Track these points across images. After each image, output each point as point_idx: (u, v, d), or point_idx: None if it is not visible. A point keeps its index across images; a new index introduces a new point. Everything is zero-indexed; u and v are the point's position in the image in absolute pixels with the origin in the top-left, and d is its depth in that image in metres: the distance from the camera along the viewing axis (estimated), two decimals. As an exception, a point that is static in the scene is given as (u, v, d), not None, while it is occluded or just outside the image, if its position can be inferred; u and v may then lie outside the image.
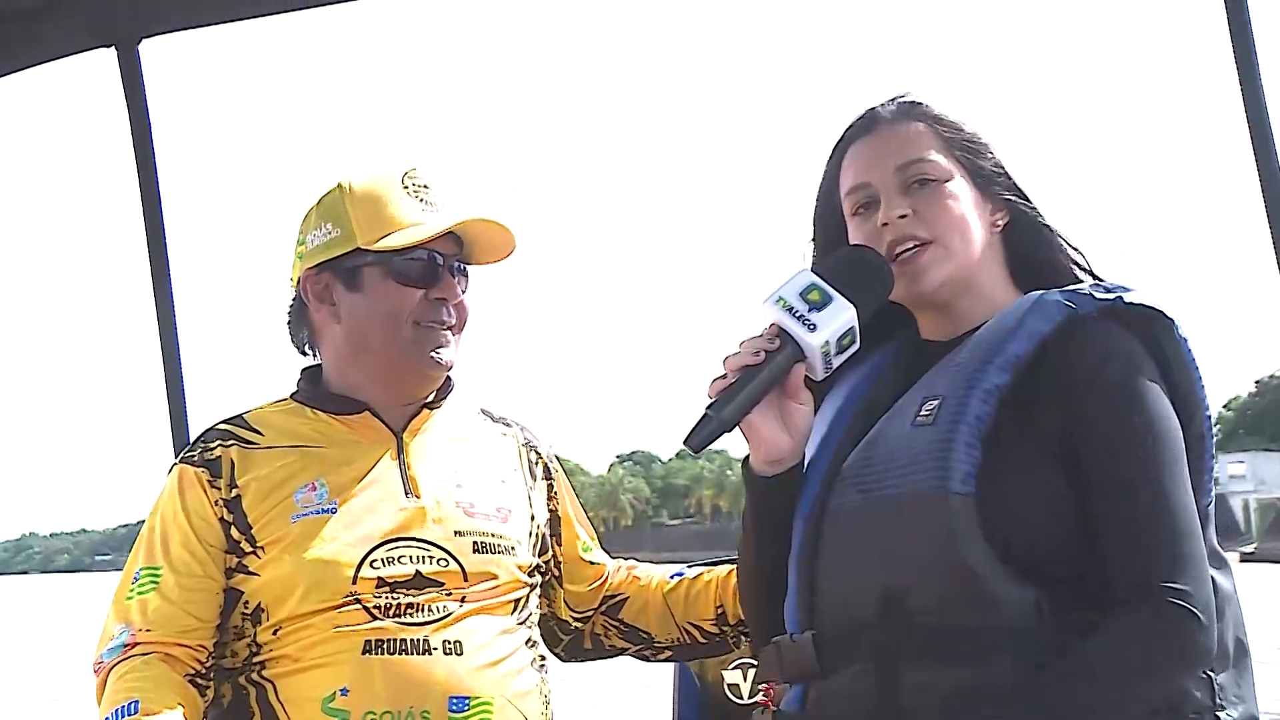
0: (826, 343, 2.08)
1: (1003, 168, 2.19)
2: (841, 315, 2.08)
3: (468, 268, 2.56)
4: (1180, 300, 2.13)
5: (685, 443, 2.09)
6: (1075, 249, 2.20)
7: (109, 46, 3.34)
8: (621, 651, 2.74)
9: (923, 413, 2.04)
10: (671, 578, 2.68)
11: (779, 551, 2.19)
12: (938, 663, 1.97)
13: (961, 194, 2.15)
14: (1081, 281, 2.14)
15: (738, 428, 2.11)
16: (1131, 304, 2.07)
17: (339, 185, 2.54)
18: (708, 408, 2.08)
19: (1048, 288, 2.11)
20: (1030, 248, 2.18)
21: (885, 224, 2.15)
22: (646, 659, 2.74)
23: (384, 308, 2.49)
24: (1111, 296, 2.07)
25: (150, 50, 3.35)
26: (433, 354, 2.50)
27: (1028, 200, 2.19)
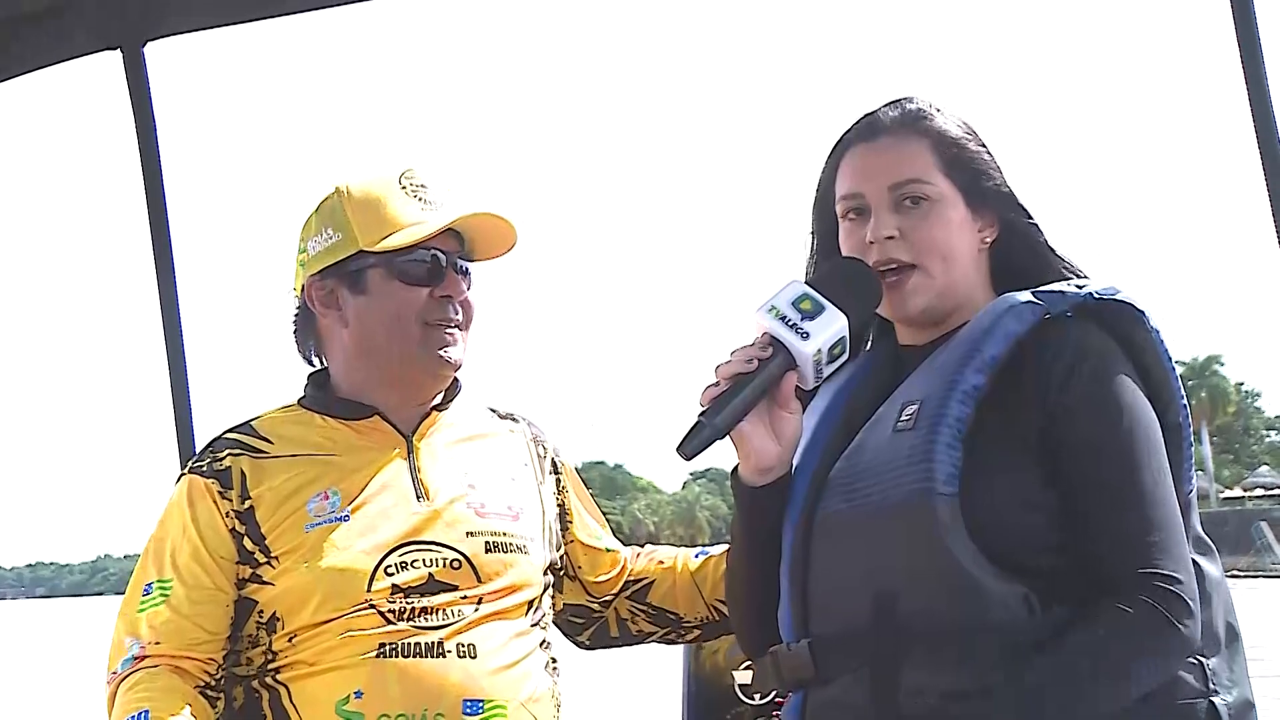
0: (819, 351, 2.19)
1: (1000, 181, 2.28)
2: (834, 324, 2.20)
3: (470, 265, 2.66)
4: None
5: (678, 450, 2.19)
6: (1061, 258, 2.28)
7: (114, 49, 3.46)
8: (648, 636, 2.83)
9: (903, 418, 2.15)
10: (696, 556, 2.79)
11: (768, 560, 2.31)
12: (933, 665, 2.07)
13: (952, 215, 2.25)
14: (1056, 277, 2.24)
15: (728, 436, 2.23)
16: (1102, 299, 2.17)
17: (337, 190, 2.65)
18: (700, 415, 2.19)
19: (1007, 288, 2.22)
20: (1017, 258, 2.27)
21: (872, 241, 2.26)
22: (673, 641, 2.84)
23: (390, 309, 2.59)
24: (1082, 293, 2.17)
25: (155, 53, 3.48)
26: (441, 353, 2.60)
27: (1023, 212, 2.28)
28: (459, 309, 2.62)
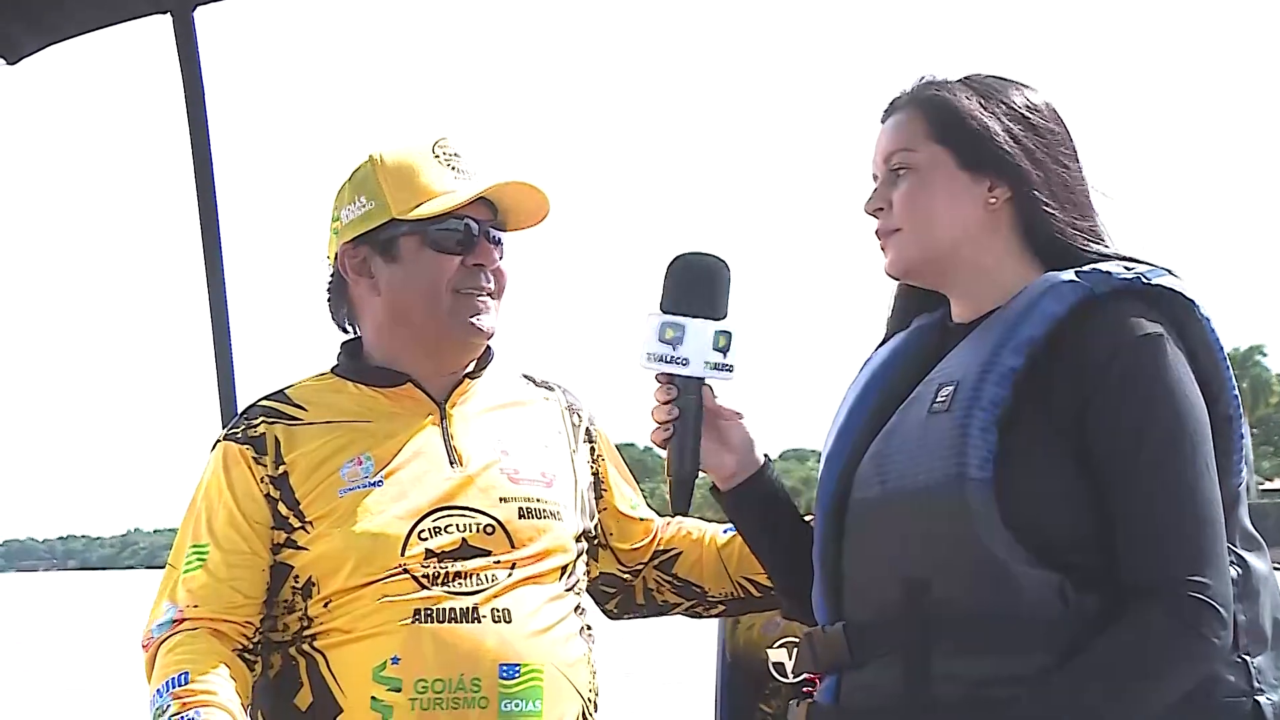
0: (706, 362, 2.27)
1: (1011, 141, 2.23)
2: (701, 335, 2.27)
3: (503, 235, 2.70)
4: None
5: (675, 511, 2.36)
6: (1084, 221, 2.24)
7: (164, 13, 3.50)
8: (674, 607, 2.86)
9: (938, 399, 2.16)
10: (725, 532, 2.81)
11: (777, 550, 2.42)
12: (965, 652, 2.08)
13: (936, 177, 2.25)
14: (1099, 256, 2.20)
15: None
16: (1151, 284, 2.15)
17: (370, 158, 2.69)
18: (667, 474, 2.32)
19: (1060, 263, 2.20)
20: (1031, 222, 2.25)
21: (870, 215, 2.31)
22: (699, 615, 2.87)
23: (423, 277, 2.63)
24: (1130, 276, 2.15)
25: (204, 17, 3.52)
26: (473, 321, 2.64)
27: (1046, 176, 2.23)
28: (491, 278, 2.66)
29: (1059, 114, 2.29)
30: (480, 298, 2.65)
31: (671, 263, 2.32)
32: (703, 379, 2.30)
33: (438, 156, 2.66)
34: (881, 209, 2.29)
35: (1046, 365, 2.11)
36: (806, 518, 2.43)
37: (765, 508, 2.42)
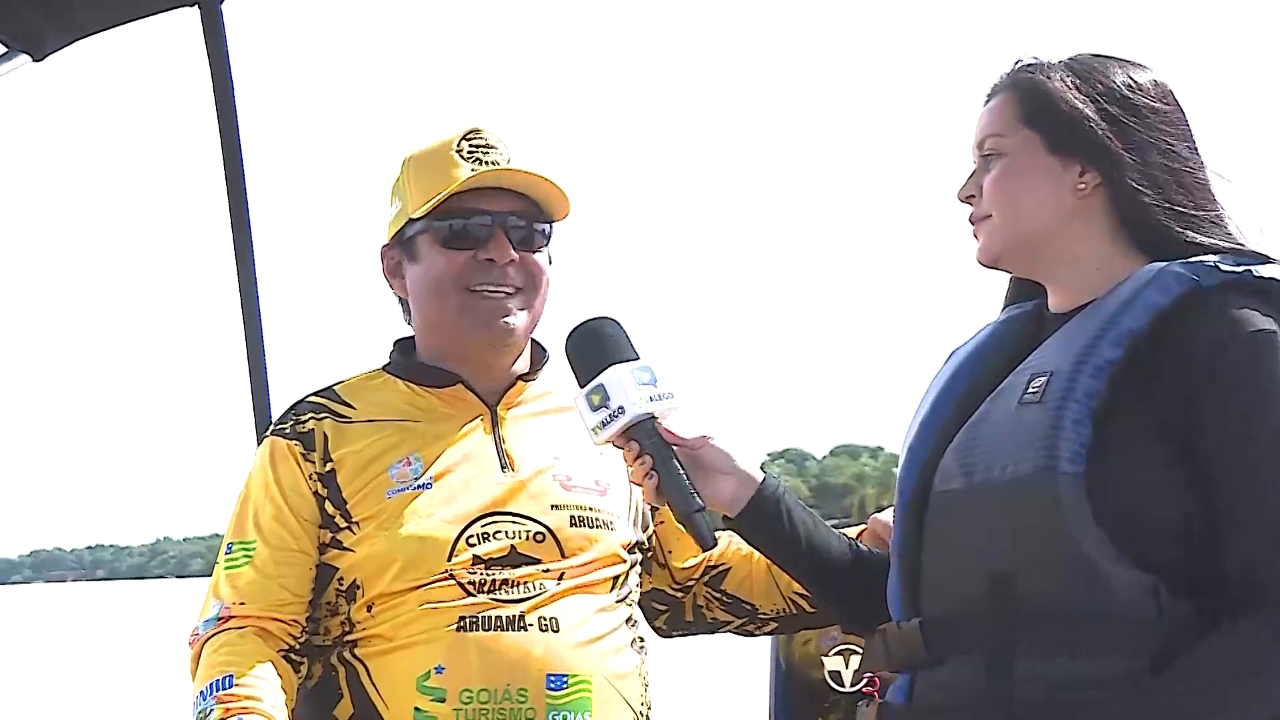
0: (640, 400, 2.28)
1: (1105, 123, 2.16)
2: (621, 379, 2.28)
3: (546, 226, 2.62)
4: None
5: (705, 550, 2.38)
6: (1192, 208, 2.15)
7: (191, 5, 3.48)
8: (723, 625, 2.80)
9: (1030, 390, 2.10)
10: None
11: (809, 563, 2.38)
12: (1051, 652, 2.02)
13: (1026, 165, 2.20)
14: (1203, 246, 2.13)
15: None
16: (1262, 277, 2.08)
17: (403, 161, 2.65)
18: (678, 520, 2.31)
19: (1163, 252, 2.13)
20: (1126, 210, 2.18)
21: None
22: (749, 633, 2.81)
23: (430, 275, 2.59)
24: (1238, 270, 2.08)
25: (232, 10, 3.50)
26: (489, 320, 2.57)
27: (1142, 164, 2.16)
28: (511, 274, 2.58)
29: (1169, 93, 2.21)
30: (496, 295, 2.58)
31: (565, 349, 2.37)
32: (651, 415, 2.28)
33: (459, 150, 2.59)
34: (973, 196, 2.25)
35: (1149, 357, 2.05)
36: (830, 522, 2.41)
37: (781, 522, 2.36)
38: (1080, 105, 2.17)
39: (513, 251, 2.58)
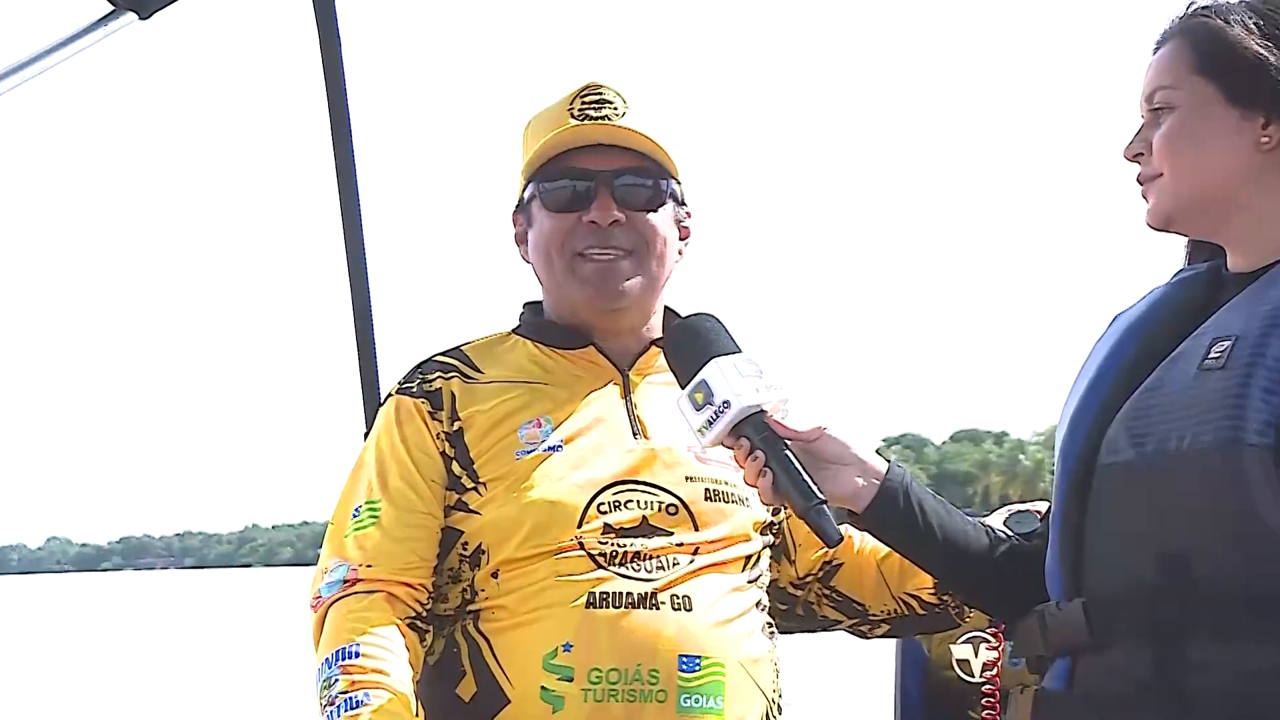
0: (746, 392, 2.20)
1: None
2: (724, 373, 2.21)
3: (665, 183, 2.55)
4: None
5: (830, 546, 2.23)
6: None
7: None
8: (834, 624, 2.73)
9: (1211, 355, 1.99)
10: None
11: (943, 553, 2.27)
12: (1228, 638, 1.91)
13: (1201, 118, 2.10)
14: None
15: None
16: None
17: (527, 122, 2.61)
18: (805, 511, 2.18)
19: None
20: None
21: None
22: (863, 635, 2.73)
23: (540, 240, 2.56)
24: None
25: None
26: (596, 285, 2.51)
27: None
28: (618, 235, 2.51)
29: None
30: (602, 258, 2.51)
31: (664, 354, 2.35)
32: (759, 408, 2.21)
33: (571, 108, 2.53)
34: (1141, 154, 2.14)
35: None
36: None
37: (914, 514, 2.26)
38: (1262, 51, 2.07)
39: (616, 212, 2.51)
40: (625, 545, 2.39)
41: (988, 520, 2.48)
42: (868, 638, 2.75)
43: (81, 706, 18.14)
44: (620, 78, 2.54)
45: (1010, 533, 2.36)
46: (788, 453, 2.21)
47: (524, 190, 2.59)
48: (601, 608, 2.35)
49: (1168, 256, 2.30)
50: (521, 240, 2.62)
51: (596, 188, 2.51)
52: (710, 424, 2.22)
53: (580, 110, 2.52)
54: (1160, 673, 1.96)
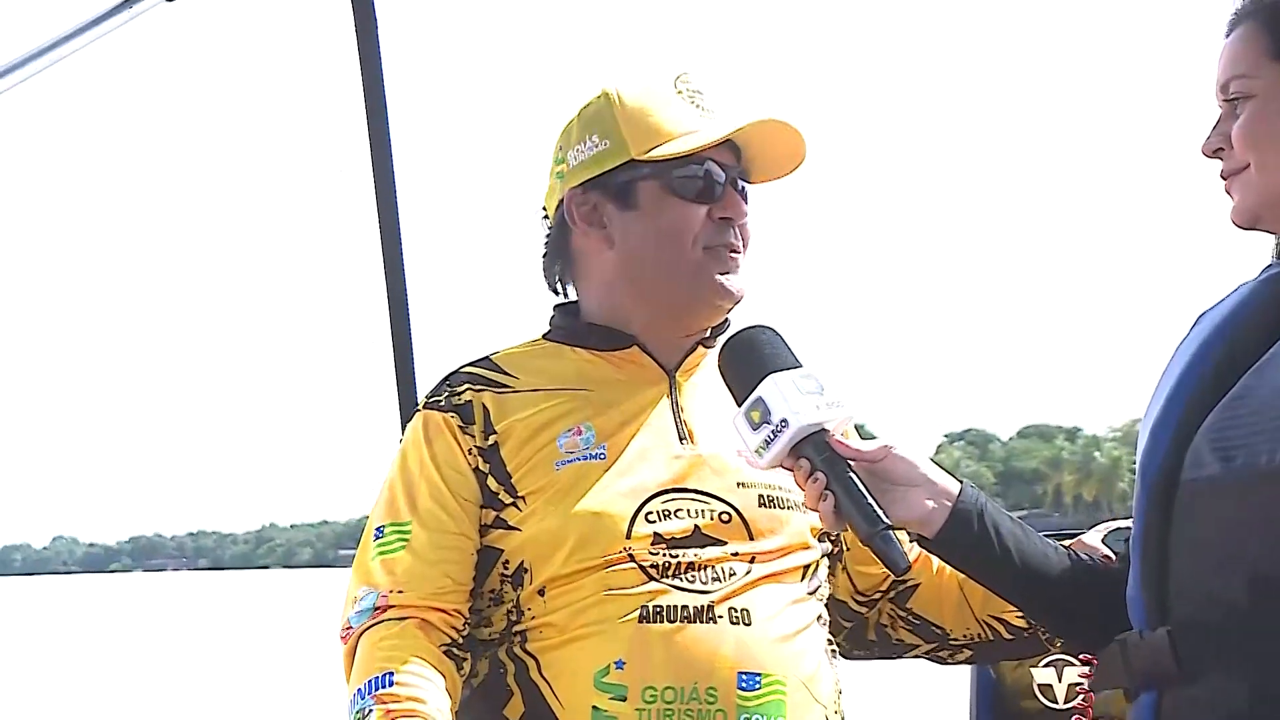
0: (805, 410, 2.13)
1: None
2: (781, 389, 2.14)
3: (748, 186, 2.51)
4: None
5: (898, 574, 2.20)
6: None
7: None
8: (911, 649, 2.63)
9: None
10: None
11: (1024, 579, 2.17)
12: None
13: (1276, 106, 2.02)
14: None
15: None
16: None
17: (604, 93, 2.50)
18: (870, 537, 2.11)
19: None
20: None
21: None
22: (943, 661, 2.64)
23: (665, 227, 2.44)
24: None
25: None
26: (723, 281, 2.45)
27: None
28: (739, 234, 2.47)
29: None
30: (729, 255, 2.46)
31: (718, 368, 2.27)
32: (820, 426, 2.14)
33: (680, 92, 2.47)
34: (1221, 149, 2.06)
35: None
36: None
37: (989, 539, 2.16)
38: None
39: (746, 211, 2.47)
40: (678, 556, 2.31)
41: (1085, 538, 2.39)
42: (947, 664, 2.64)
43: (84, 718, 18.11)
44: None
45: (1103, 553, 2.28)
46: (851, 474, 2.13)
47: (615, 167, 2.47)
48: (656, 622, 2.27)
49: (1259, 247, 2.20)
50: (591, 221, 2.49)
51: (728, 184, 2.46)
52: (768, 444, 2.14)
53: (690, 97, 2.47)
54: (1257, 705, 1.86)
